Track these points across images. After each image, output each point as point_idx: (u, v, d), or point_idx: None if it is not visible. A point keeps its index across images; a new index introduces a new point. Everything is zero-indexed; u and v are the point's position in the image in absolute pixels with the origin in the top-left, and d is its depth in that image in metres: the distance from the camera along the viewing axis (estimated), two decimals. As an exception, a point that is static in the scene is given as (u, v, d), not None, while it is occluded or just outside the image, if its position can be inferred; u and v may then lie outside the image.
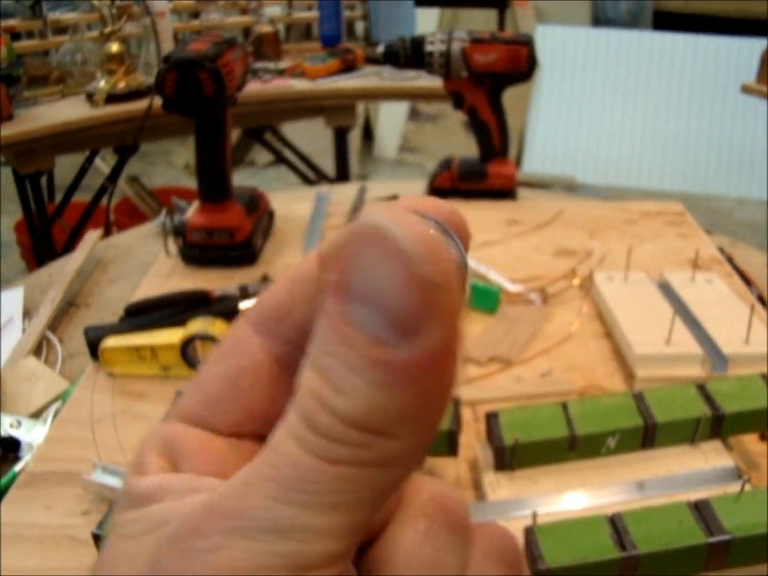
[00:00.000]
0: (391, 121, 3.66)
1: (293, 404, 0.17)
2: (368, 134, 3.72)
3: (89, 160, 1.91)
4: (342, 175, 2.20)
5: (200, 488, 0.18)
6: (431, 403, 0.16)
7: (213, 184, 0.90)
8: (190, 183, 2.59)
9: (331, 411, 0.16)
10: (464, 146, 2.44)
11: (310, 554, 0.16)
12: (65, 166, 2.05)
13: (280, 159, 2.57)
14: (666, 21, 3.45)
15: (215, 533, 0.16)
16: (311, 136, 2.76)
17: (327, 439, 0.16)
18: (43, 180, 1.84)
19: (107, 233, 1.27)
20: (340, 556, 0.16)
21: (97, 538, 0.48)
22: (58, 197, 2.00)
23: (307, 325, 0.17)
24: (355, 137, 3.18)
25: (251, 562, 0.15)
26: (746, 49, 3.05)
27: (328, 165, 2.47)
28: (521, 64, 1.03)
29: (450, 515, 0.19)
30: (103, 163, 2.18)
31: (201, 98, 0.81)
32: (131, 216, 2.17)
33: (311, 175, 2.53)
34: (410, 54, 1.05)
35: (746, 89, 1.69)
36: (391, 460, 0.16)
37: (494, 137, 1.08)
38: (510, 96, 1.10)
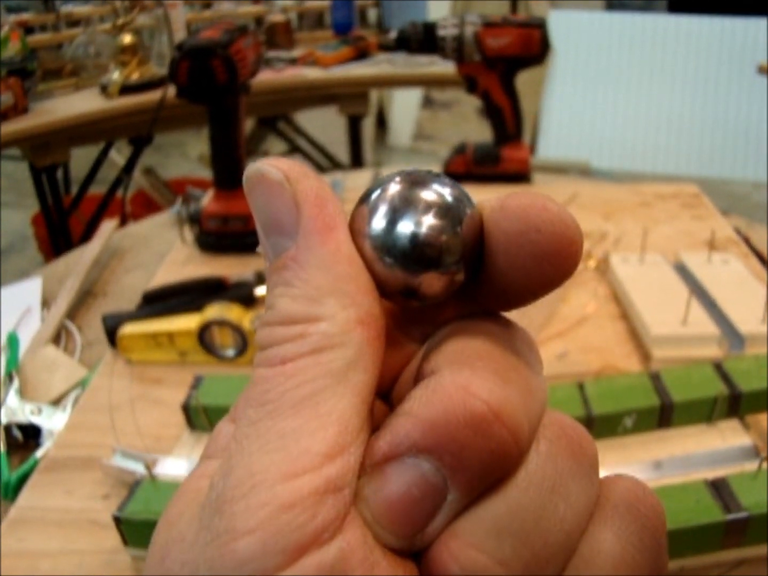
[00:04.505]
0: (404, 108, 3.65)
1: None
2: (382, 122, 3.72)
3: (104, 153, 1.92)
4: (356, 163, 2.20)
5: None
6: (335, 274, 0.18)
7: (227, 171, 0.91)
8: (205, 174, 2.60)
9: (266, 323, 0.18)
10: (478, 133, 2.43)
11: (294, 458, 0.16)
12: (80, 159, 2.06)
13: (294, 148, 2.57)
14: (680, 3, 3.41)
15: (220, 479, 0.17)
16: (325, 125, 2.76)
17: (269, 346, 0.18)
18: (59, 173, 1.85)
19: (123, 225, 1.28)
20: (324, 454, 0.16)
21: (118, 521, 0.49)
22: (74, 190, 2.01)
23: None
24: (368, 125, 3.18)
25: (244, 488, 0.16)
26: (762, 30, 3.01)
27: (342, 154, 2.47)
28: (534, 48, 1.03)
29: (572, 442, 0.18)
30: (118, 155, 2.18)
31: (214, 85, 0.82)
32: (146, 207, 2.18)
33: (326, 164, 2.53)
34: (423, 39, 1.04)
35: (762, 70, 1.67)
36: (329, 340, 0.17)
37: (508, 121, 1.07)
38: (524, 81, 1.09)
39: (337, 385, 0.17)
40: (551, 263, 0.18)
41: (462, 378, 0.17)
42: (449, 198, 0.18)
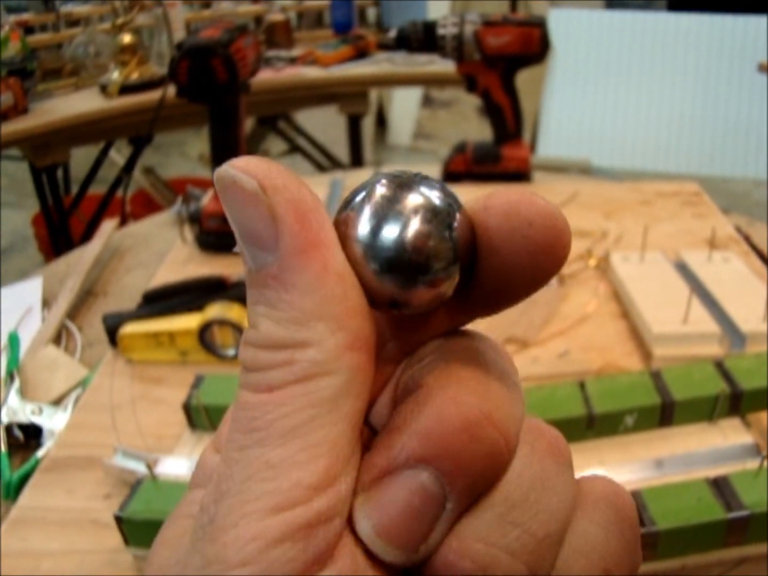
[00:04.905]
0: (404, 107, 3.65)
1: None
2: (382, 122, 3.71)
3: (104, 152, 1.92)
4: (356, 162, 2.20)
5: None
6: (322, 296, 0.17)
7: (227, 171, 0.90)
8: (205, 173, 2.60)
9: (249, 343, 0.17)
10: (478, 132, 2.43)
11: (284, 491, 0.16)
12: (80, 159, 2.06)
13: (294, 147, 2.57)
14: (680, 1, 3.41)
15: (211, 504, 0.16)
16: (325, 124, 2.75)
17: (256, 371, 0.17)
18: (59, 173, 1.85)
19: (123, 224, 1.28)
20: (315, 487, 0.16)
21: (119, 521, 0.49)
22: (74, 190, 2.01)
23: None
24: (368, 125, 3.18)
25: (234, 516, 0.16)
26: (763, 28, 3.01)
27: (342, 153, 2.47)
28: (534, 46, 1.03)
29: (551, 444, 0.19)
30: (118, 155, 2.18)
31: (214, 84, 0.82)
32: (147, 207, 2.18)
33: (326, 164, 2.53)
34: (422, 38, 1.04)
35: (763, 68, 1.67)
36: (318, 367, 0.16)
37: (508, 120, 1.07)
38: (524, 80, 1.09)
39: (327, 414, 0.16)
40: (546, 256, 0.18)
41: (450, 389, 0.17)
42: (437, 201, 0.17)
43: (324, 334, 0.17)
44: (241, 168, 0.17)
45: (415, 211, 0.17)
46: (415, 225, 0.17)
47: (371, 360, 0.18)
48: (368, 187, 0.18)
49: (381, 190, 0.18)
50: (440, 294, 0.18)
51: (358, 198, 0.18)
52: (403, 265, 0.17)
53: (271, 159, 0.17)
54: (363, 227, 0.17)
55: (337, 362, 0.17)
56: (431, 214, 0.17)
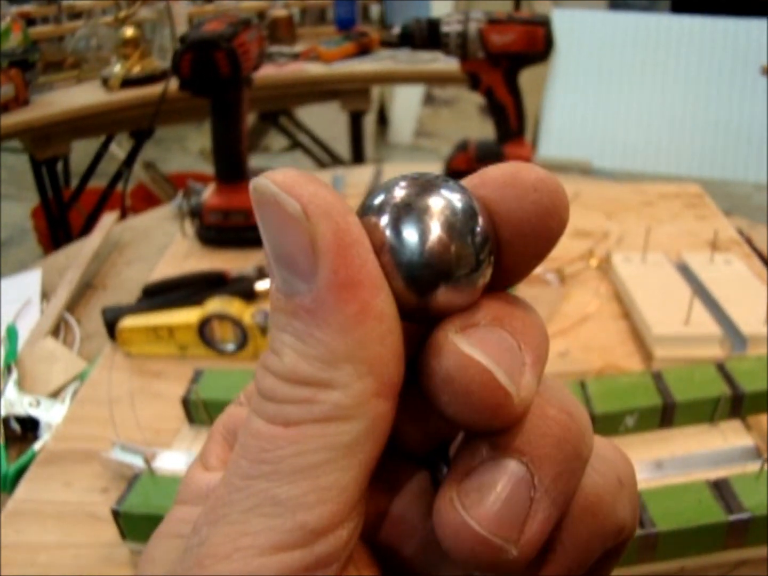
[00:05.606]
0: (406, 106, 3.65)
1: None
2: (383, 120, 3.71)
3: (105, 146, 1.92)
4: (357, 160, 2.19)
5: None
6: (356, 339, 0.16)
7: (229, 165, 0.90)
8: (206, 168, 2.59)
9: (269, 371, 0.16)
10: (480, 131, 2.43)
11: (286, 531, 0.15)
12: (81, 153, 2.06)
13: (295, 144, 2.57)
14: (684, 3, 3.41)
15: (204, 525, 0.16)
16: (327, 121, 2.75)
17: (273, 401, 0.16)
18: (59, 166, 1.85)
19: (123, 218, 1.27)
20: (318, 532, 0.15)
21: (116, 514, 0.49)
22: (74, 183, 2.01)
23: None
24: (370, 123, 3.17)
25: (228, 546, 0.15)
26: (766, 31, 3.00)
27: (343, 150, 2.47)
28: (538, 45, 1.02)
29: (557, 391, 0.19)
30: (119, 149, 2.18)
31: (217, 78, 0.81)
32: (147, 201, 2.17)
33: (327, 160, 2.53)
34: (426, 35, 1.04)
35: (765, 71, 1.67)
36: (339, 411, 0.16)
37: (511, 118, 1.07)
38: (526, 80, 1.09)
39: (342, 459, 0.16)
40: (553, 217, 0.18)
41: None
42: (460, 204, 0.17)
43: (352, 377, 0.16)
44: (284, 186, 0.16)
45: (440, 216, 0.17)
46: (439, 231, 0.16)
47: (394, 407, 0.17)
48: (389, 190, 0.17)
49: (402, 193, 0.17)
50: (472, 294, 0.17)
51: (378, 201, 0.17)
52: (431, 272, 0.17)
53: (313, 174, 0.16)
54: (385, 234, 0.17)
55: (361, 408, 0.16)
56: (455, 218, 0.17)
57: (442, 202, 0.17)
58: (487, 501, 0.16)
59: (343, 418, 0.16)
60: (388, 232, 0.17)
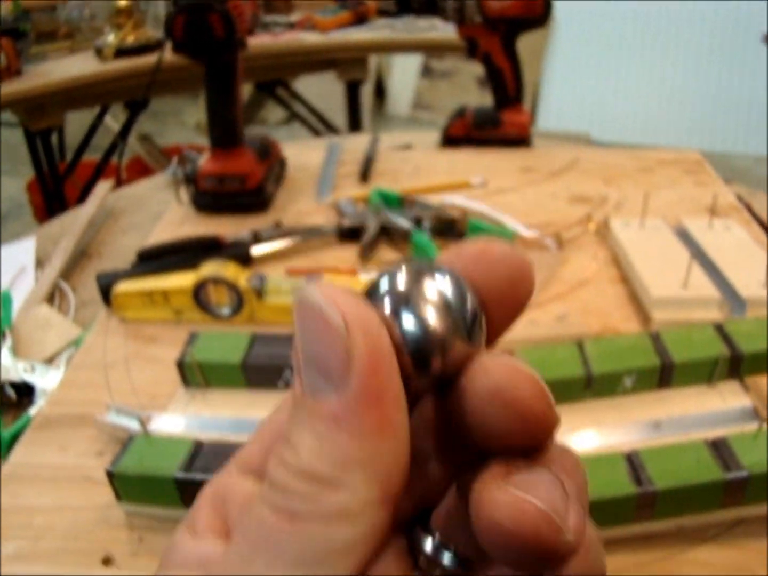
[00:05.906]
0: (403, 77, 3.62)
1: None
2: (381, 92, 3.68)
3: (99, 118, 1.90)
4: (355, 131, 2.18)
5: None
6: (373, 449, 0.17)
7: (224, 130, 0.89)
8: (202, 141, 2.57)
9: (283, 463, 0.18)
10: (478, 103, 2.40)
11: None
12: (75, 126, 2.04)
13: (292, 114, 2.55)
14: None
15: None
16: (323, 92, 2.73)
17: (282, 492, 0.17)
18: (54, 140, 1.83)
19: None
20: None
21: (110, 476, 0.48)
22: (69, 157, 1.99)
23: None
24: (367, 94, 3.15)
25: None
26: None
27: (340, 121, 2.45)
28: (536, 9, 1.01)
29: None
30: (114, 121, 2.16)
31: (211, 40, 0.80)
32: (142, 174, 2.16)
33: (323, 131, 2.51)
34: (423, 0, 1.03)
35: (767, 38, 1.65)
36: (343, 513, 0.17)
37: (509, 84, 1.06)
38: (525, 51, 1.07)
39: (340, 558, 0.17)
40: (519, 286, 0.20)
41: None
42: (453, 287, 0.19)
43: (360, 483, 0.17)
44: (330, 298, 0.17)
45: (438, 301, 0.18)
46: (439, 314, 0.18)
47: (391, 518, 0.18)
48: (390, 276, 0.19)
49: (401, 279, 0.19)
50: (475, 349, 0.19)
51: (382, 288, 0.19)
52: (429, 350, 0.18)
53: (352, 291, 0.18)
54: (395, 324, 0.18)
55: (365, 514, 0.17)
56: (451, 300, 0.19)
57: (439, 287, 0.19)
58: (540, 487, 0.17)
59: (343, 521, 0.17)
60: (397, 323, 0.18)
